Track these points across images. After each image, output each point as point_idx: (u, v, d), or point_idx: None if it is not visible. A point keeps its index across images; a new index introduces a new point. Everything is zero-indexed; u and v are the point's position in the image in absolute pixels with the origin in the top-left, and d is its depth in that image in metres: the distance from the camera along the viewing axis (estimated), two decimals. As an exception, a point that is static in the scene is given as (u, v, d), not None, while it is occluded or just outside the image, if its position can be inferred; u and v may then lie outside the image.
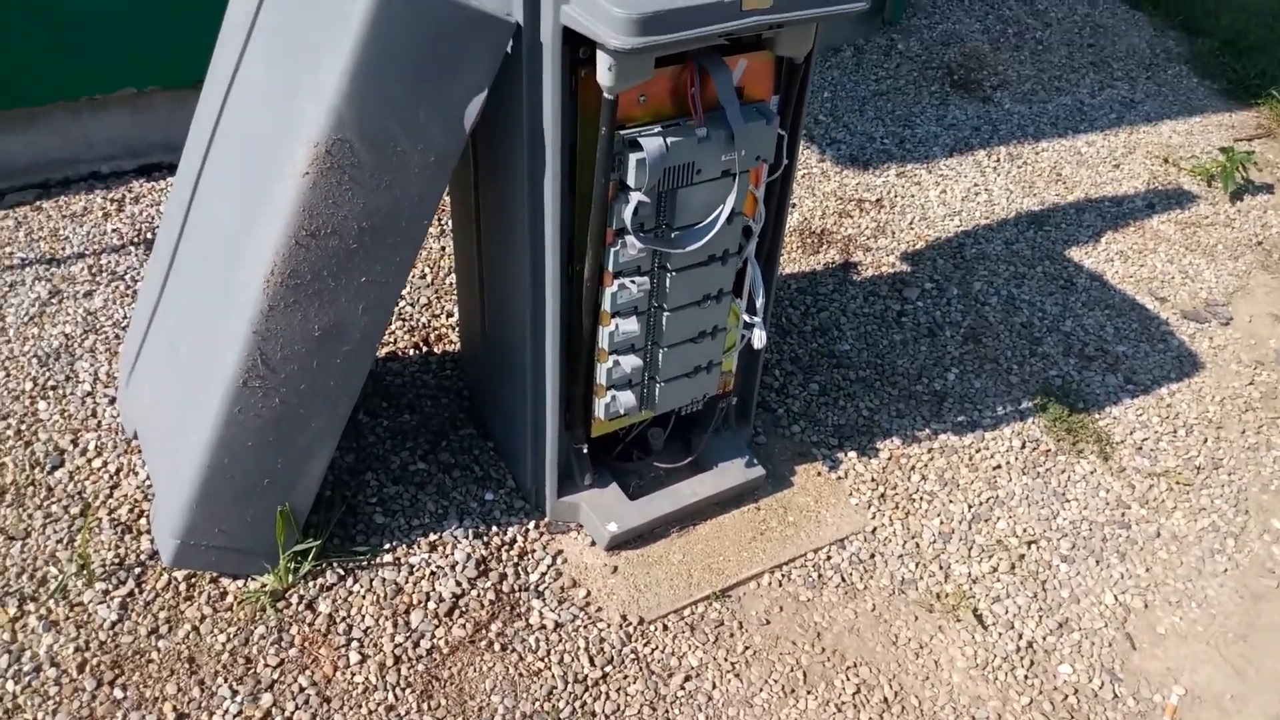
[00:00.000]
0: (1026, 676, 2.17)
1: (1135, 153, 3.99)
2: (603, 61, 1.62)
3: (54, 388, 2.49)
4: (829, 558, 2.36)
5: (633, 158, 1.76)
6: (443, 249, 3.10)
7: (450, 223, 2.88)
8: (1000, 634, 2.25)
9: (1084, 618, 2.30)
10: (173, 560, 2.02)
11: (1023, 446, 2.68)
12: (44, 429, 2.38)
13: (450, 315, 2.86)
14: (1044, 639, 2.25)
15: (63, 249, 2.93)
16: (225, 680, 1.95)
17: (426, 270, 3.02)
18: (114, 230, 3.02)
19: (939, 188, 3.65)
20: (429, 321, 2.84)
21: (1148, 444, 2.74)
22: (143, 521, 2.19)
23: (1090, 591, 2.36)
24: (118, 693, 1.91)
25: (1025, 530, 2.47)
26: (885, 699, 2.10)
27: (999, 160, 3.85)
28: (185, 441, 1.94)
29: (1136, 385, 2.92)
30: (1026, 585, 2.35)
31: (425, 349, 2.75)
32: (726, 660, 2.12)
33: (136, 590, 2.06)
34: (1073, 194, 3.71)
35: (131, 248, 2.96)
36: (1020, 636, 2.25)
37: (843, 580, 2.31)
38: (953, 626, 2.24)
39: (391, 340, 2.75)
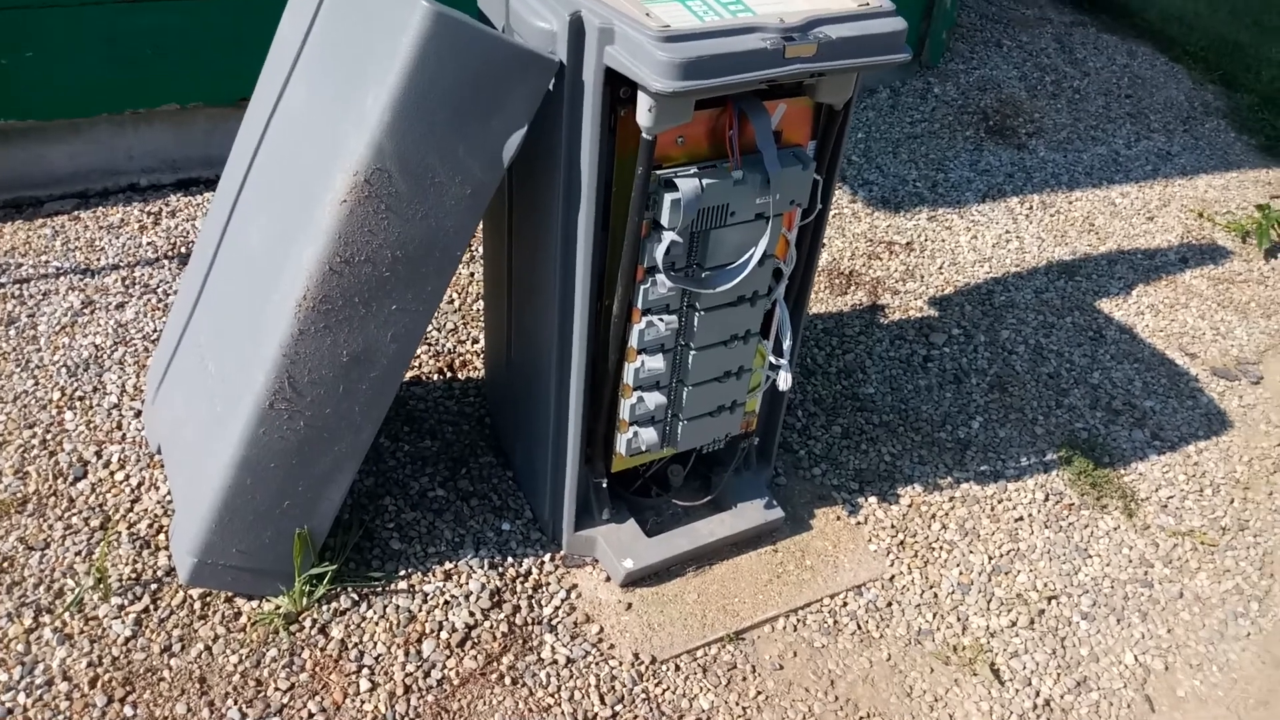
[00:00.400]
0: (1043, 736, 2.14)
1: (1170, 206, 3.97)
2: (643, 103, 1.63)
3: (81, 398, 2.51)
4: (845, 604, 2.33)
5: (668, 198, 1.77)
6: (471, 275, 3.12)
7: (481, 250, 2.89)
8: (1017, 690, 2.21)
9: (1103, 677, 2.27)
10: (189, 578, 2.02)
11: (1046, 499, 2.65)
12: (69, 439, 2.39)
13: (476, 342, 2.87)
14: (1061, 697, 2.21)
15: (98, 260, 2.96)
16: (235, 702, 1.94)
17: (455, 296, 3.03)
18: (149, 243, 3.05)
19: (970, 233, 3.64)
20: (454, 347, 2.85)
21: (1173, 502, 2.71)
22: (161, 537, 2.19)
23: (1110, 650, 2.32)
24: (128, 710, 1.90)
25: (1046, 585, 2.44)
26: (898, 752, 2.07)
27: (1032, 208, 3.83)
28: (208, 460, 1.94)
29: (1163, 441, 2.88)
30: (1045, 641, 2.32)
31: (449, 374, 2.75)
32: (738, 704, 2.10)
33: (152, 606, 2.07)
34: (1105, 245, 3.69)
35: (166, 261, 2.99)
36: (1038, 694, 2.21)
37: (858, 628, 2.29)
38: (969, 680, 2.21)
39: (416, 364, 2.75)
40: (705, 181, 1.78)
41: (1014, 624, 2.34)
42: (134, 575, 2.11)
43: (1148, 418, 2.95)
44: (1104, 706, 2.21)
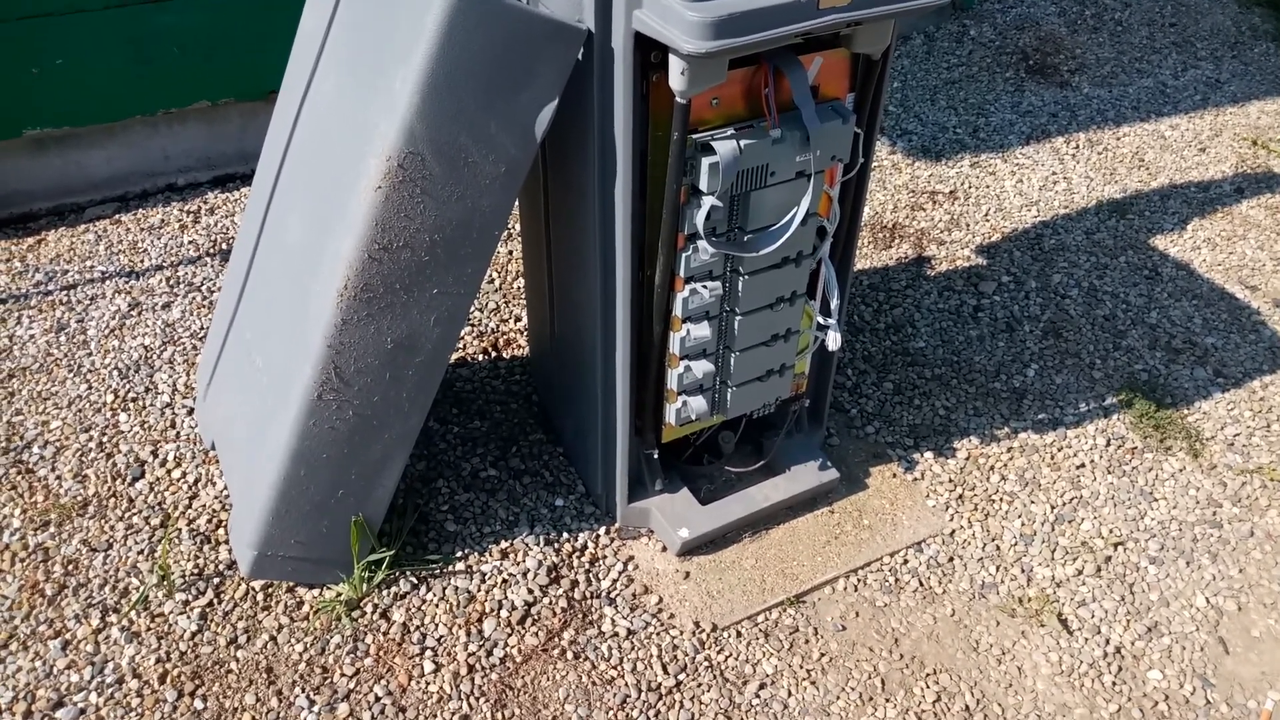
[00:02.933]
0: (1114, 683, 2.10)
1: (1222, 135, 3.84)
2: (675, 66, 1.59)
3: (134, 399, 2.54)
4: (906, 561, 2.30)
5: (705, 162, 1.73)
6: (510, 253, 3.10)
7: (518, 228, 2.87)
8: (1086, 639, 2.17)
9: (1174, 621, 2.22)
10: (250, 571, 2.05)
11: (1107, 444, 2.59)
12: (125, 440, 2.42)
13: (519, 320, 2.86)
14: (1132, 644, 2.17)
15: (141, 261, 2.99)
16: (303, 690, 1.97)
17: (495, 275, 3.02)
18: (190, 242, 3.07)
19: (1015, 177, 3.55)
20: (498, 327, 2.84)
21: (1239, 439, 2.63)
22: (221, 532, 2.22)
23: (1180, 594, 2.27)
24: (198, 704, 1.93)
25: (1111, 531, 2.39)
26: (967, 707, 2.04)
27: (1078, 147, 3.73)
28: (262, 453, 1.96)
29: (1227, 378, 2.80)
30: (1113, 588, 2.27)
31: (494, 354, 2.75)
32: (802, 667, 2.09)
33: (215, 600, 2.09)
34: (1156, 180, 3.58)
35: (208, 259, 3.01)
36: (1107, 642, 2.17)
37: (920, 585, 2.26)
38: (1036, 632, 2.18)
39: (461, 346, 2.75)
40: (743, 143, 1.74)
41: (1080, 573, 2.30)
42: (196, 570, 2.14)
43: (1209, 355, 2.87)
44: (1176, 651, 2.16)
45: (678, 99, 1.65)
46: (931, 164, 3.60)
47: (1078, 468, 2.53)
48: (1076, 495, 2.47)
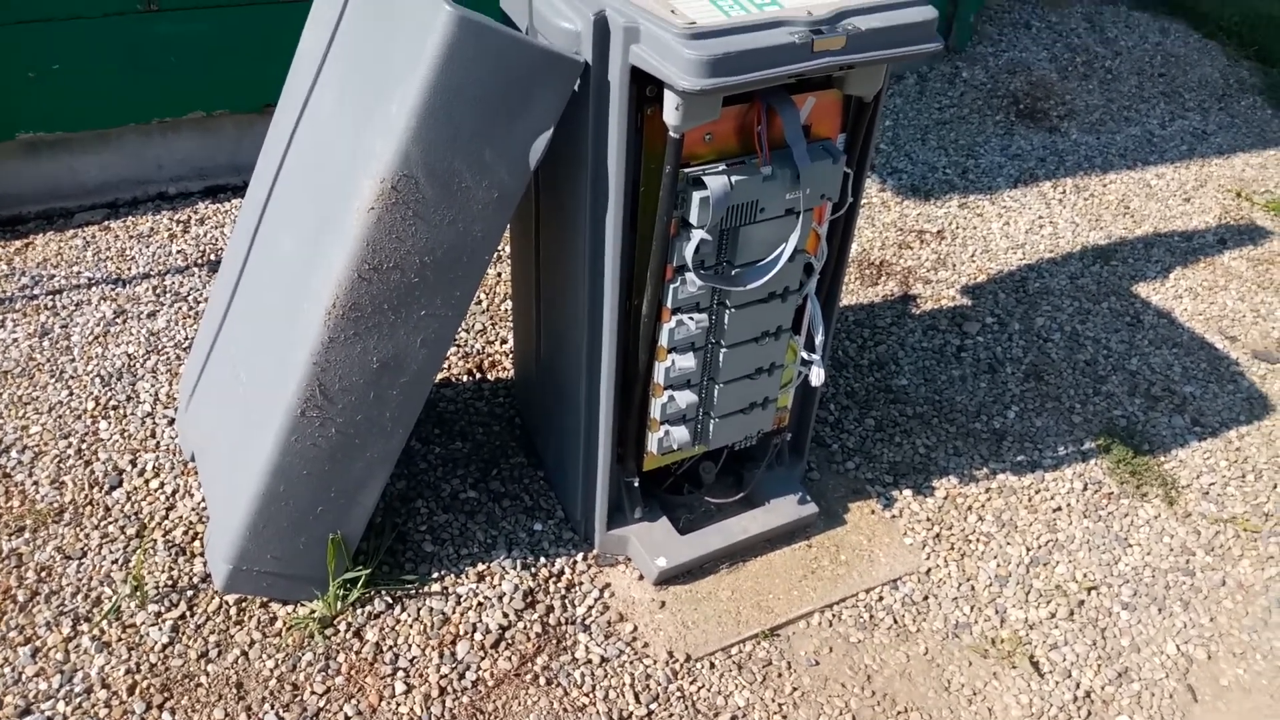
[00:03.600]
0: (1085, 730, 2.11)
1: (1207, 186, 3.89)
2: (670, 101, 1.61)
3: (115, 407, 2.53)
4: (881, 598, 2.31)
5: (696, 196, 1.75)
6: (499, 275, 3.11)
7: (508, 250, 2.88)
8: (1057, 682, 2.18)
9: (1145, 667, 2.23)
10: (225, 585, 2.04)
11: (1084, 489, 2.61)
12: (104, 448, 2.41)
13: (504, 342, 2.86)
14: (1103, 689, 2.18)
15: (129, 269, 2.98)
16: (272, 707, 1.95)
17: (482, 296, 3.03)
18: (179, 251, 3.07)
19: (1002, 219, 3.59)
20: (483, 348, 2.84)
21: (1215, 489, 2.66)
22: (196, 544, 2.21)
23: (1152, 640, 2.29)
24: (166, 717, 1.92)
25: (1085, 575, 2.41)
26: (938, 749, 2.05)
27: (1065, 192, 3.77)
28: (242, 468, 1.95)
29: (1204, 427, 2.83)
30: (1085, 632, 2.29)
31: (479, 375, 2.75)
32: (774, 701, 2.09)
33: (188, 613, 2.08)
34: (1141, 228, 3.63)
35: (195, 269, 3.00)
36: (1078, 685, 2.18)
37: (895, 622, 2.27)
38: (1008, 673, 2.19)
39: (446, 366, 2.75)
40: (734, 178, 1.76)
41: (1053, 615, 2.31)
42: (170, 582, 2.13)
43: (1188, 403, 2.90)
44: (1146, 697, 2.18)
45: (671, 133, 1.67)
46: (920, 203, 3.64)
47: (1054, 511, 2.55)
48: (1052, 538, 2.48)
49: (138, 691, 1.95)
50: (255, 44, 3.13)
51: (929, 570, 2.38)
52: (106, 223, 3.16)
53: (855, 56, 1.66)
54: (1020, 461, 2.67)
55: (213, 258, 3.05)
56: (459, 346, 2.83)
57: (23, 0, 2.81)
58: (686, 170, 1.76)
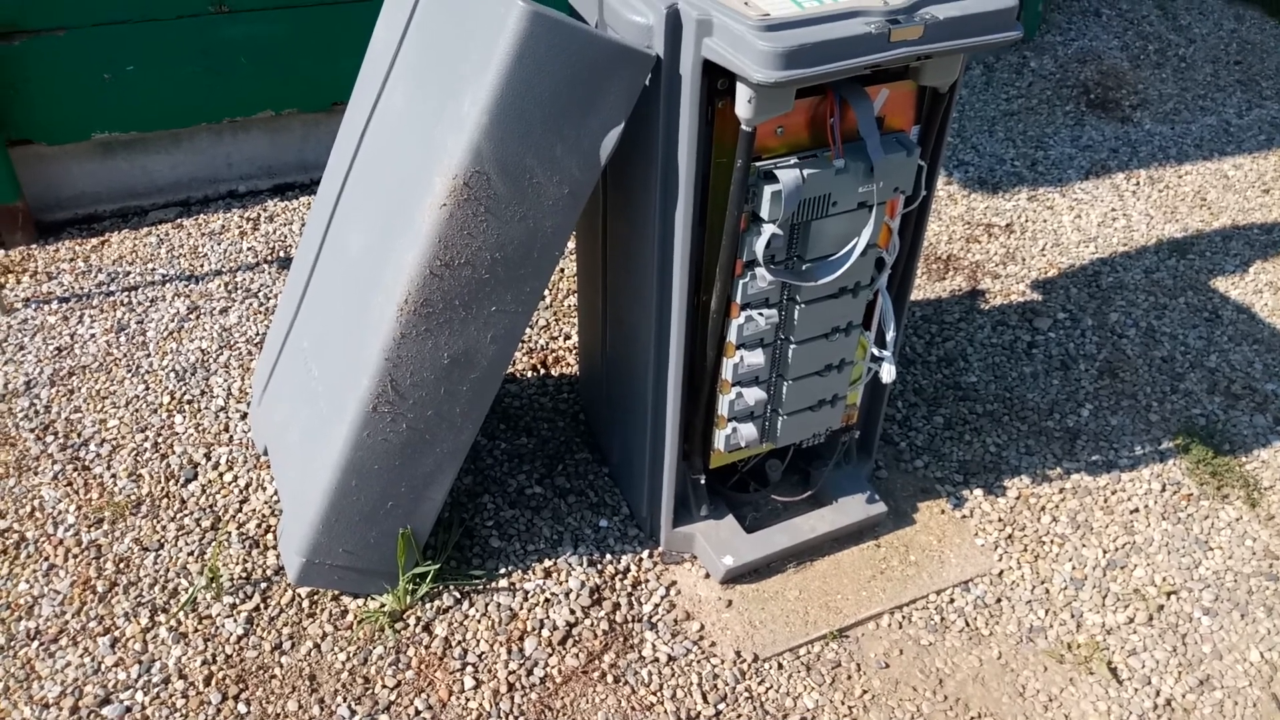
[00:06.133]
0: (1166, 738, 2.05)
1: (1286, 177, 3.77)
2: (742, 94, 1.59)
3: (190, 402, 2.57)
4: (952, 600, 2.27)
5: (768, 190, 1.73)
6: (562, 270, 3.11)
7: (573, 246, 2.88)
8: (1136, 689, 2.13)
9: (1226, 675, 2.16)
10: (298, 578, 2.06)
11: (1163, 490, 2.54)
12: (179, 442, 2.46)
13: (569, 338, 2.86)
14: (1183, 696, 2.12)
15: (201, 266, 3.04)
16: (344, 700, 1.97)
17: (546, 292, 3.03)
18: (249, 248, 3.12)
19: (1073, 212, 3.51)
20: (547, 344, 2.85)
21: (1300, 491, 2.57)
22: (269, 537, 2.24)
23: (1234, 647, 2.22)
24: (241, 707, 1.95)
25: (1165, 579, 2.34)
26: (1012, 754, 2.01)
27: (1138, 184, 3.68)
28: (314, 463, 1.97)
29: (1288, 427, 2.74)
30: (1165, 638, 2.22)
31: (543, 371, 2.75)
32: (844, 703, 2.06)
33: (262, 605, 2.11)
34: (1218, 220, 3.52)
35: (265, 265, 3.05)
36: (1158, 693, 2.12)
37: (967, 625, 2.22)
38: (1085, 679, 2.13)
39: (511, 362, 2.76)
40: (806, 172, 1.73)
41: (1131, 620, 2.25)
42: (245, 574, 2.16)
43: (1269, 402, 2.81)
44: (1228, 706, 2.11)
45: (743, 126, 1.65)
46: (988, 196, 3.57)
47: (1131, 512, 2.49)
48: (1130, 541, 2.42)
49: (214, 682, 1.98)
50: (324, 44, 3.16)
51: (1001, 572, 2.33)
52: (179, 220, 3.22)
53: (933, 46, 1.62)
54: (1095, 461, 2.61)
55: (282, 254, 3.10)
56: (523, 342, 2.84)
57: (98, 4, 2.88)
58: (758, 164, 1.74)
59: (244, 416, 2.53)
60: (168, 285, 2.95)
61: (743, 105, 1.61)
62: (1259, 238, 3.45)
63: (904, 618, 2.23)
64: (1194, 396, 2.81)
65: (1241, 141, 3.96)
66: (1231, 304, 3.15)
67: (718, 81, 1.66)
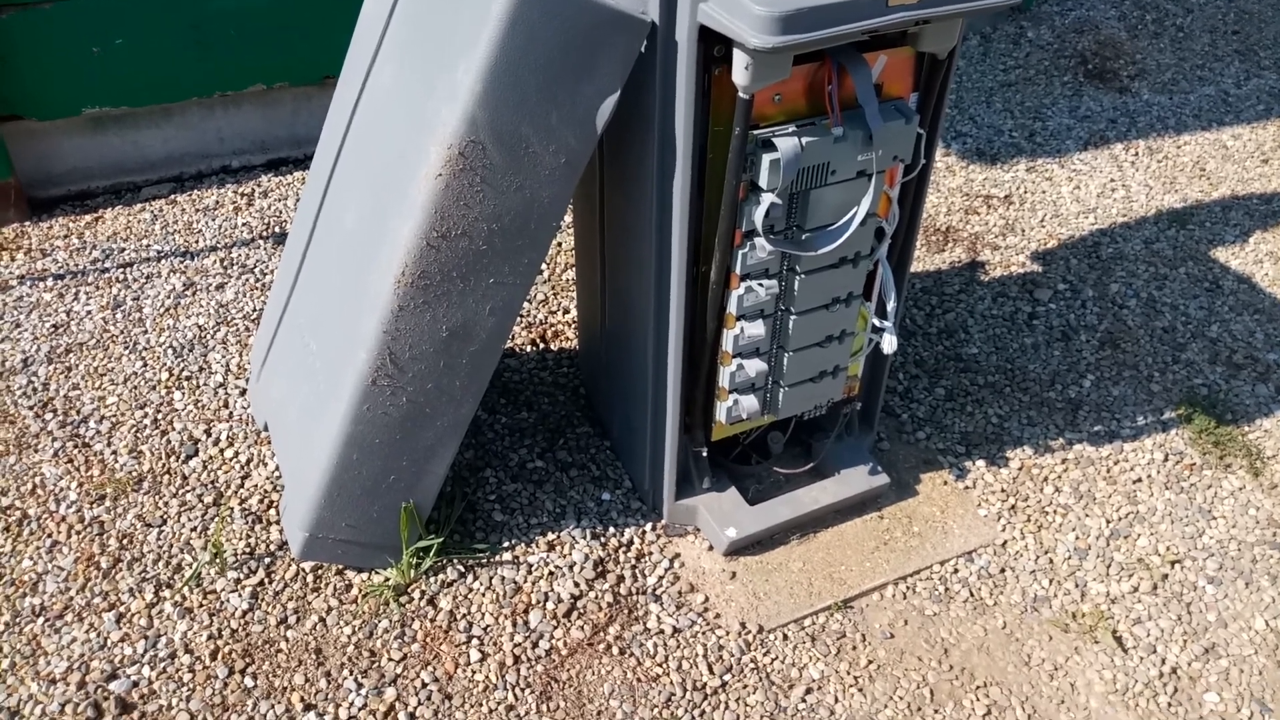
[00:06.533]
0: (1170, 704, 2.05)
1: (1287, 146, 3.75)
2: (739, 60, 1.57)
3: (188, 378, 2.56)
4: (956, 571, 2.27)
5: (766, 158, 1.71)
6: (559, 245, 3.10)
7: (570, 219, 2.86)
8: (1141, 658, 2.13)
9: (1232, 643, 2.17)
10: (301, 552, 2.06)
11: (1165, 459, 2.54)
12: (179, 418, 2.45)
13: (568, 312, 2.85)
14: (1189, 665, 2.12)
15: (196, 242, 3.02)
16: (351, 673, 1.97)
17: (544, 266, 3.01)
18: (244, 224, 3.10)
19: (1072, 183, 3.49)
20: (546, 318, 2.83)
21: (1301, 459, 2.57)
22: (272, 512, 2.24)
23: (1239, 616, 2.22)
24: (248, 681, 1.95)
25: (1168, 549, 2.34)
26: (1016, 722, 2.01)
27: (1137, 154, 3.66)
28: (315, 437, 1.97)
29: (1289, 396, 2.74)
30: (1170, 607, 2.22)
31: (543, 345, 2.74)
32: (849, 674, 2.06)
33: (266, 580, 2.11)
34: (1218, 190, 3.50)
35: (260, 241, 3.03)
36: (1163, 661, 2.13)
37: (971, 595, 2.23)
38: (1090, 648, 2.14)
39: (510, 336, 2.75)
40: (805, 140, 1.72)
41: (1136, 590, 2.25)
42: (248, 550, 2.16)
43: (1271, 371, 2.80)
44: (1234, 674, 2.11)
45: (740, 94, 1.63)
46: (986, 167, 3.55)
47: (1134, 482, 2.49)
48: (1133, 510, 2.42)
49: (220, 656, 1.98)
50: (314, 16, 3.13)
51: (1005, 543, 2.33)
52: (173, 196, 3.20)
53: (931, 10, 1.60)
54: (1097, 432, 2.60)
55: (277, 230, 3.08)
56: (522, 316, 2.82)
57: (89, -23, 2.85)
58: (756, 132, 1.72)
59: (243, 392, 2.52)
60: (163, 261, 2.93)
61: (740, 72, 1.59)
62: (1258, 208, 3.43)
63: (908, 588, 2.23)
64: (1196, 366, 2.81)
65: (1240, 111, 3.94)
66: (1232, 274, 3.14)
67: (714, 48, 1.64)
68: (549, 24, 1.60)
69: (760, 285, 1.91)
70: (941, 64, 1.83)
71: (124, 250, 2.97)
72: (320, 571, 2.12)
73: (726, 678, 2.03)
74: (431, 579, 2.12)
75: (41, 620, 2.03)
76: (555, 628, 2.08)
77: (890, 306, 2.11)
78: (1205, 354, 2.85)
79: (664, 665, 2.04)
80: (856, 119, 1.76)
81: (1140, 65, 4.15)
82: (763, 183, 1.75)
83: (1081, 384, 2.73)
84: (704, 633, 2.10)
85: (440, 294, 1.79)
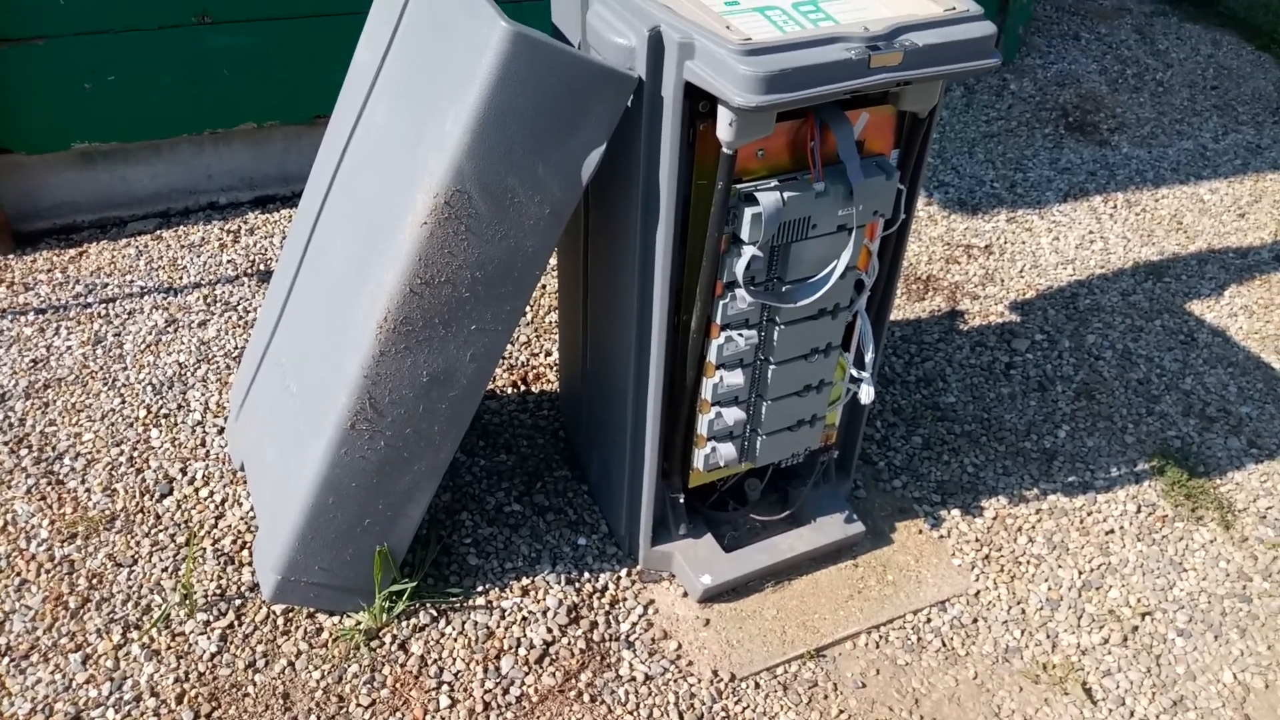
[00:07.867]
0: (1140, 760, 2.06)
1: (1261, 201, 3.81)
2: (724, 117, 1.60)
3: (166, 416, 2.56)
4: (929, 620, 2.28)
5: (748, 212, 1.74)
6: (544, 287, 3.11)
7: (554, 263, 2.88)
8: (1110, 710, 2.14)
9: (1200, 696, 2.18)
10: (273, 595, 2.05)
11: (1138, 511, 2.56)
12: (155, 456, 2.44)
13: (549, 355, 2.86)
14: (1157, 717, 2.13)
15: (180, 278, 3.02)
16: (318, 718, 1.96)
17: (527, 309, 3.03)
18: (229, 261, 3.11)
19: (1051, 234, 3.54)
20: (528, 360, 2.84)
21: (1272, 512, 2.59)
22: (245, 553, 2.22)
23: (1208, 668, 2.23)
24: (216, 725, 1.93)
25: (1139, 600, 2.36)
26: (987, 775, 2.01)
27: (1116, 207, 3.72)
28: (291, 479, 1.96)
29: (1261, 449, 2.77)
30: (1139, 659, 2.24)
31: (523, 388, 2.75)
32: (821, 724, 2.06)
33: (236, 622, 2.09)
34: (1194, 244, 3.56)
35: (245, 279, 3.04)
36: (1132, 714, 2.13)
37: (943, 645, 2.23)
38: (1060, 700, 2.14)
39: (490, 380, 2.75)
40: (787, 194, 1.75)
41: (1106, 641, 2.26)
42: (219, 591, 2.14)
43: (1244, 424, 2.84)
44: (1203, 728, 2.13)
45: (724, 149, 1.66)
46: (968, 217, 3.60)
47: (1107, 533, 2.50)
48: (1105, 562, 2.44)
49: (186, 700, 1.96)
50: (306, 56, 3.16)
51: (978, 592, 2.34)
52: (158, 232, 3.21)
53: (912, 73, 1.64)
54: (1071, 482, 2.62)
55: (262, 268, 3.08)
56: (504, 358, 2.83)
57: (80, 12, 2.86)
58: (738, 186, 1.75)
59: (221, 431, 2.51)
60: (146, 297, 2.93)
61: (724, 128, 1.62)
62: (1234, 261, 3.49)
63: (881, 637, 2.23)
64: (1169, 419, 2.84)
65: (1218, 166, 4.01)
66: (1207, 327, 3.18)
67: (699, 104, 1.67)
68: (537, 78, 1.62)
69: (740, 335, 1.93)
70: (923, 122, 1.86)
71: (107, 285, 2.97)
72: (291, 614, 2.11)
73: (699, 727, 2.02)
74: (404, 623, 2.11)
75: (6, 660, 2.00)
76: (527, 674, 2.07)
77: (868, 357, 2.13)
78: (1179, 406, 2.88)
79: (635, 713, 2.03)
80: (838, 174, 1.79)
81: (1120, 119, 4.22)
82: (744, 236, 1.78)
83: (1057, 434, 2.76)
84: (676, 680, 2.09)
85: (422, 339, 1.80)
